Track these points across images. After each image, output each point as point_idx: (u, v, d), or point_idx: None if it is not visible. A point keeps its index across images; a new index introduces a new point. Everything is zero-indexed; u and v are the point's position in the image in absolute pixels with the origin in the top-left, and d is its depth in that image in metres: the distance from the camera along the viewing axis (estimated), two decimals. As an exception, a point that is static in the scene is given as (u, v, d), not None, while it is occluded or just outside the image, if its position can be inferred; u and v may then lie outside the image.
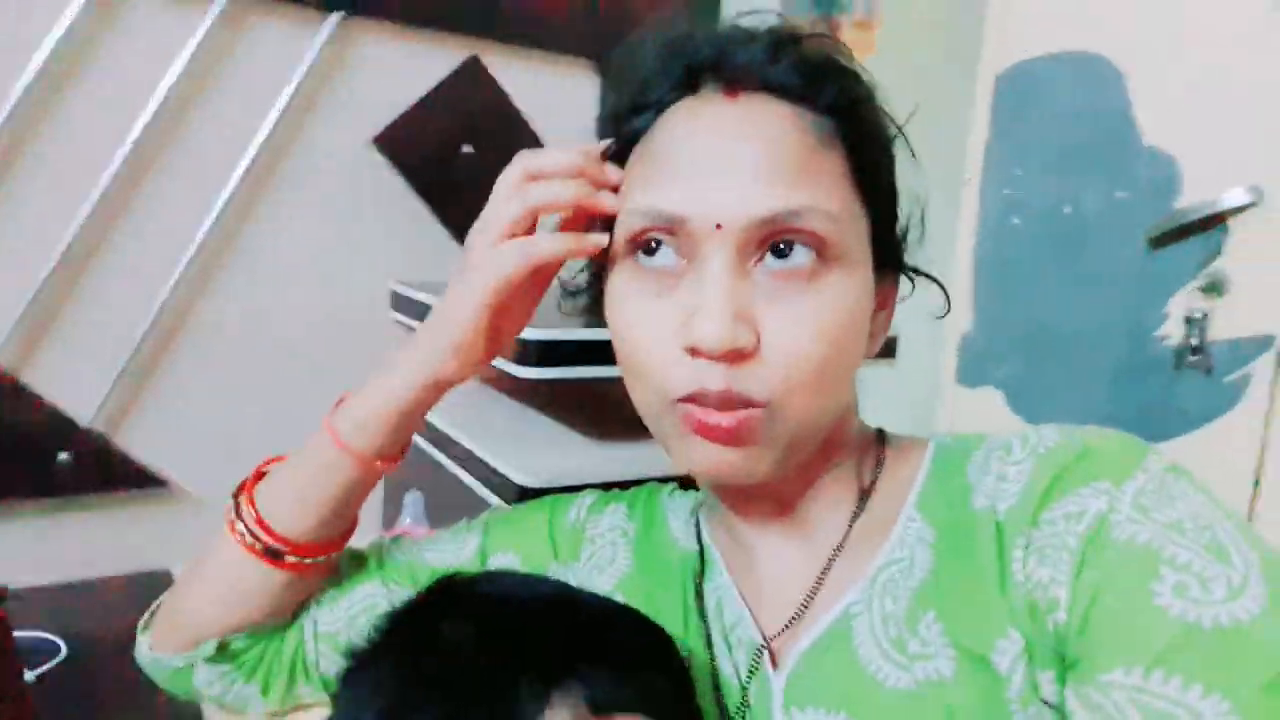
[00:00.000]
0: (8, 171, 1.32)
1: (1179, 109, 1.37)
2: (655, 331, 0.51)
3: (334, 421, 0.65)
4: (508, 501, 1.09)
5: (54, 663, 1.17)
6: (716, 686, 0.60)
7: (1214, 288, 1.35)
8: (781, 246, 0.50)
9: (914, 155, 0.58)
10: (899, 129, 0.57)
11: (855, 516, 0.58)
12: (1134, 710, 0.42)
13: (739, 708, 0.58)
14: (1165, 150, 1.39)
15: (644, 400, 0.54)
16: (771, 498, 0.58)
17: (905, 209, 0.59)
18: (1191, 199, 1.36)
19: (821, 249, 0.50)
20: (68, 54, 1.32)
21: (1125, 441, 0.50)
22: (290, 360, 1.54)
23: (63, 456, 1.38)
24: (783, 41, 0.53)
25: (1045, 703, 0.47)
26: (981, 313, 1.68)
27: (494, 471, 1.12)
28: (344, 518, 0.68)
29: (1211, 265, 1.35)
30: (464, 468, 1.20)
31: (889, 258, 0.57)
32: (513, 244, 0.58)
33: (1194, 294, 1.38)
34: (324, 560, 0.68)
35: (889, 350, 1.33)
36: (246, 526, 0.66)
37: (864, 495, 0.59)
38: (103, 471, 1.42)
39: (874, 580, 0.55)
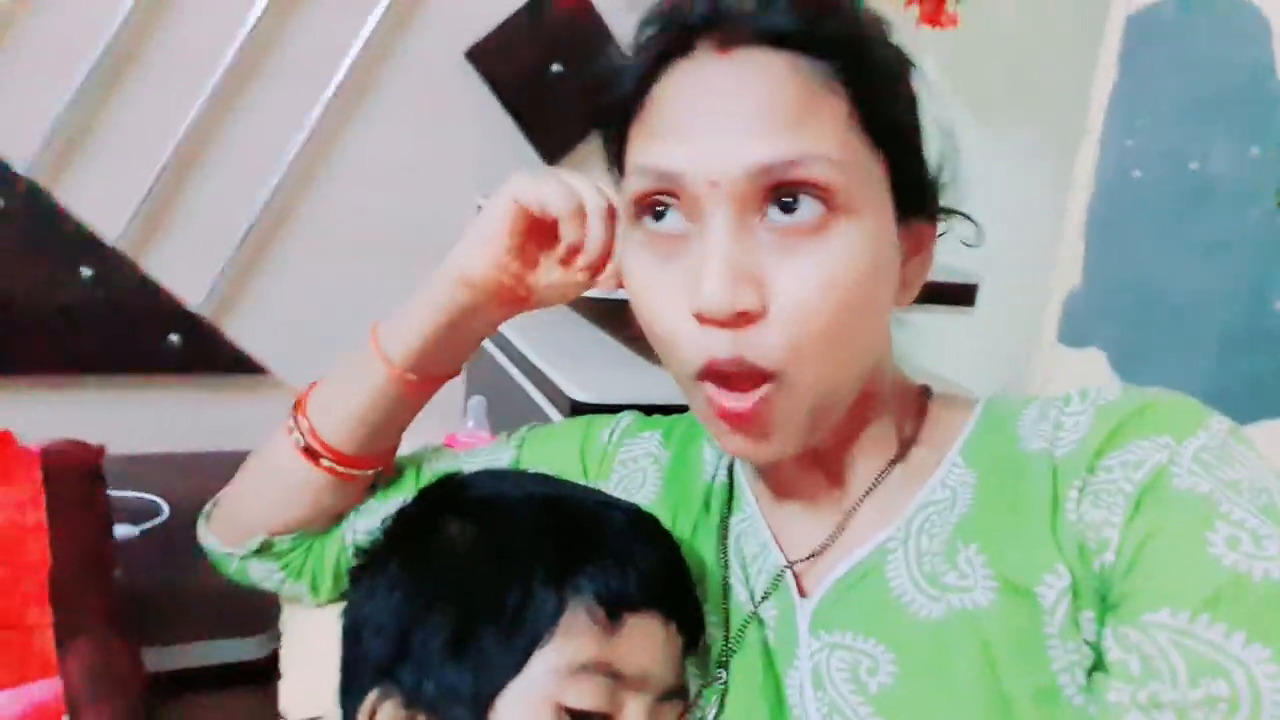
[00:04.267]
0: (129, 70, 1.42)
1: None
2: (666, 299, 0.51)
3: (378, 331, 0.68)
4: (562, 413, 1.11)
5: (157, 521, 1.29)
6: (726, 612, 0.61)
7: (1346, 258, 1.24)
8: (787, 200, 0.48)
9: (931, 88, 0.55)
10: (911, 62, 0.54)
11: (894, 463, 0.58)
12: (1176, 652, 0.42)
13: (747, 623, 0.59)
14: (1306, 103, 1.27)
15: (671, 372, 0.54)
16: (799, 460, 0.57)
17: (934, 146, 0.56)
18: (1332, 159, 1.24)
19: (828, 199, 0.48)
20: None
21: (1189, 402, 0.50)
22: (381, 265, 1.61)
23: (173, 338, 1.49)
24: None
25: (1085, 641, 0.47)
26: (1092, 269, 1.59)
27: (551, 384, 1.14)
28: (384, 434, 0.71)
29: (1346, 234, 1.24)
30: (528, 378, 1.23)
31: (915, 201, 0.54)
32: (553, 177, 0.61)
33: (1325, 264, 1.27)
34: (364, 473, 0.72)
35: (968, 298, 1.28)
36: (299, 430, 0.69)
37: (904, 446, 0.58)
38: (208, 355, 1.53)
39: (910, 519, 0.54)
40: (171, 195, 1.47)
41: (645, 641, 0.54)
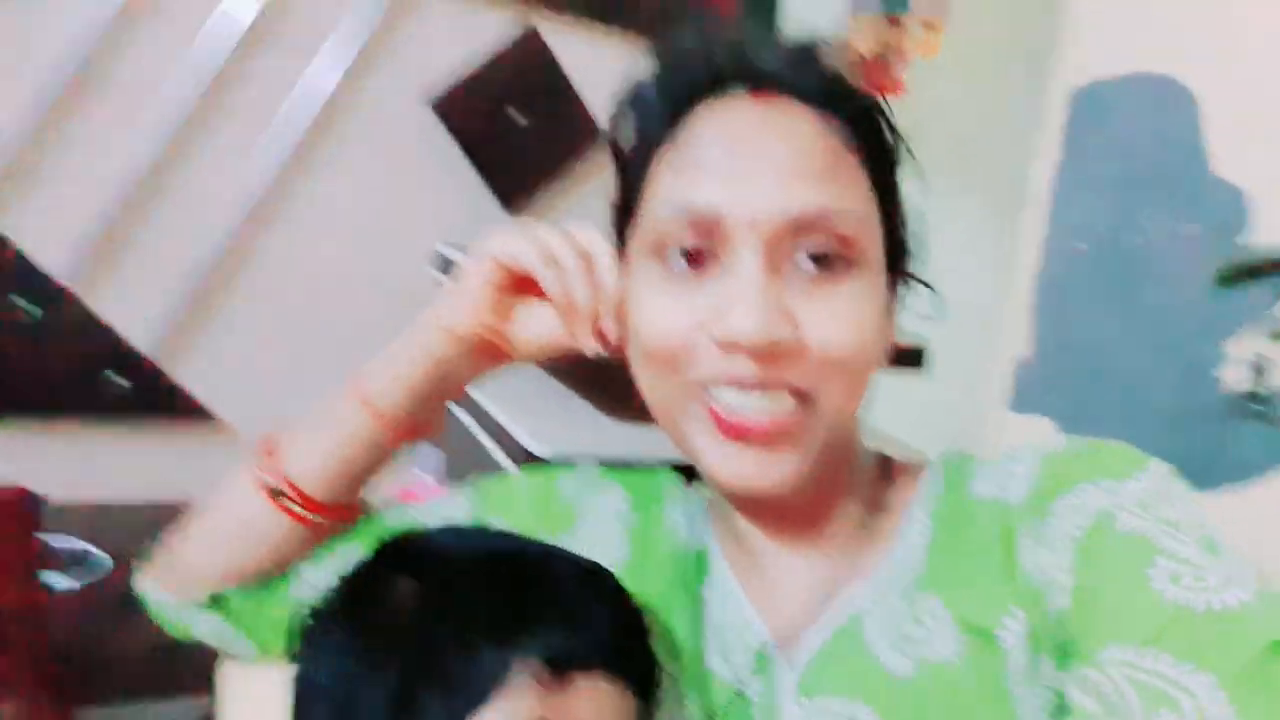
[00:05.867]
0: (88, 103, 1.39)
1: (1251, 139, 1.31)
2: (683, 321, 0.51)
3: (360, 377, 0.68)
4: (516, 464, 1.10)
5: (97, 574, 1.24)
6: (706, 687, 0.60)
7: (1282, 334, 1.29)
8: (815, 252, 0.50)
9: (918, 168, 0.58)
10: (902, 140, 0.57)
11: (862, 525, 0.59)
12: (1130, 687, 0.43)
13: (732, 700, 0.58)
14: (1232, 182, 1.33)
15: (662, 390, 0.54)
16: (782, 509, 0.58)
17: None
18: (1260, 235, 1.30)
19: (849, 251, 0.51)
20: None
21: (1128, 448, 0.52)
22: (340, 312, 1.59)
23: (118, 379, 1.45)
24: (804, 50, 0.55)
25: (1046, 685, 0.48)
26: (1042, 339, 1.63)
27: (506, 434, 1.13)
28: (359, 483, 0.69)
29: (1280, 309, 1.29)
30: (481, 426, 1.21)
31: (896, 264, 0.57)
32: (529, 233, 0.60)
33: (1261, 339, 1.31)
34: (333, 523, 0.70)
35: (916, 360, 1.30)
36: (268, 473, 0.67)
37: (870, 506, 0.59)
38: (155, 399, 1.48)
39: (882, 580, 0.56)
40: (124, 232, 1.44)
41: (594, 699, 0.53)
